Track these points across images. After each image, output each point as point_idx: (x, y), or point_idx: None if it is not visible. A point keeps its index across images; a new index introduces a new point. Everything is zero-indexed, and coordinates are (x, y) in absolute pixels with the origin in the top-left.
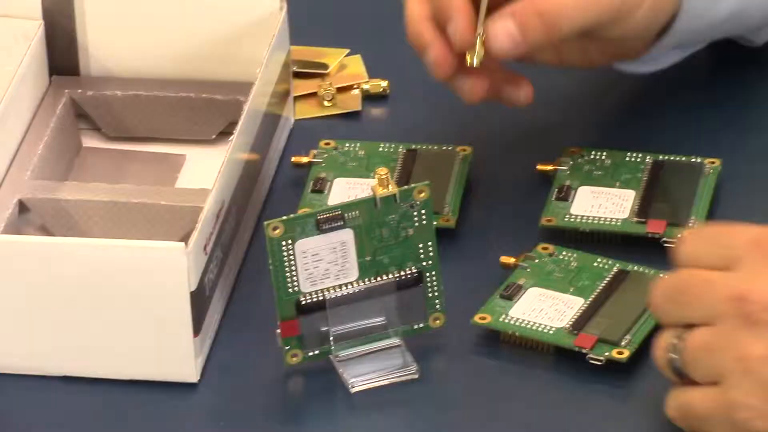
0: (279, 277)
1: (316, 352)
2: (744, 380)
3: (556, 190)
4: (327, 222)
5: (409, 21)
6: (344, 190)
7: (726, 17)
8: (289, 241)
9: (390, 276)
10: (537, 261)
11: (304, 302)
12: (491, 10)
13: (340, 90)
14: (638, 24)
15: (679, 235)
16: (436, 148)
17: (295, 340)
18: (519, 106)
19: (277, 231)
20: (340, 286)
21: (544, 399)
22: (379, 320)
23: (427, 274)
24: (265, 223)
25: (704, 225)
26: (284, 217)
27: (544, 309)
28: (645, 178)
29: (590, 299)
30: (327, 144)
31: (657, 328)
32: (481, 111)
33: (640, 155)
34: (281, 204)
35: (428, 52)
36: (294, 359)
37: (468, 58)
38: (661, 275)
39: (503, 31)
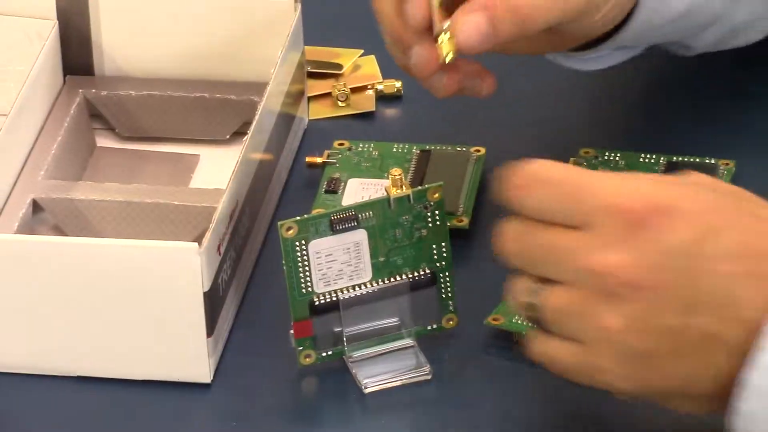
0: (292, 278)
1: (330, 352)
2: (603, 348)
3: None
4: (341, 222)
5: (384, 19)
6: (358, 191)
7: (680, 14)
8: (303, 242)
9: (403, 277)
10: None
11: (317, 303)
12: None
13: (354, 90)
14: (603, 19)
15: (516, 175)
16: (449, 148)
17: (309, 340)
18: (480, 97)
19: (291, 231)
20: (353, 286)
21: (557, 399)
22: (392, 321)
23: (441, 275)
24: (279, 223)
25: (546, 166)
26: (298, 218)
27: None
28: None
29: None
30: (341, 144)
31: None
32: (494, 112)
33: (654, 156)
34: (295, 204)
35: (413, 52)
36: (307, 360)
37: (441, 52)
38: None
39: (472, 25)
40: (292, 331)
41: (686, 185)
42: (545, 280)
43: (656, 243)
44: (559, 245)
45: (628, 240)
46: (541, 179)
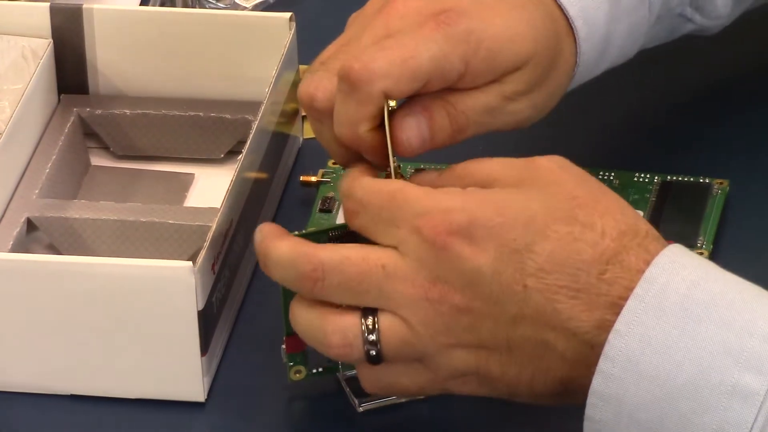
0: (287, 294)
1: (321, 369)
2: (445, 366)
3: None
4: (338, 239)
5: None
6: None
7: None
8: None
9: None
10: None
11: None
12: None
13: None
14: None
15: (347, 198)
16: (444, 168)
17: (300, 356)
18: None
19: None
20: None
21: (551, 423)
22: None
23: None
24: None
25: (367, 189)
26: (296, 233)
27: None
28: (653, 199)
29: None
30: (335, 163)
31: None
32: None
33: (648, 176)
34: (290, 223)
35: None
36: (297, 375)
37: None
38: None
39: (415, 131)
40: (284, 346)
41: (501, 193)
42: (367, 313)
43: (461, 265)
44: (378, 273)
45: (435, 263)
46: (363, 203)
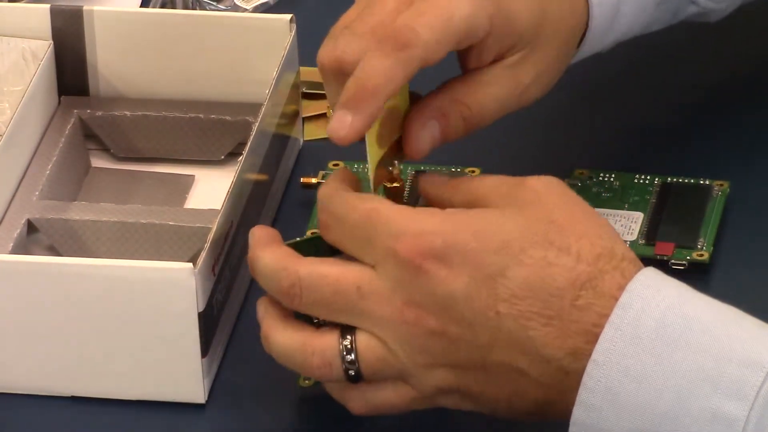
0: None
1: None
2: (425, 384)
3: None
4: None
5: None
6: None
7: (611, 42)
8: None
9: None
10: None
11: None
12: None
13: None
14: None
15: (321, 211)
16: (444, 169)
17: None
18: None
19: None
20: None
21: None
22: None
23: None
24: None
25: (343, 204)
26: (297, 239)
27: None
28: (653, 201)
29: None
30: (335, 165)
31: None
32: (489, 132)
33: (648, 177)
34: (290, 225)
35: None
36: (306, 382)
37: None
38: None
39: (427, 138)
40: None
41: (478, 215)
42: (345, 332)
43: (435, 288)
44: (353, 292)
45: (410, 285)
46: (338, 218)
